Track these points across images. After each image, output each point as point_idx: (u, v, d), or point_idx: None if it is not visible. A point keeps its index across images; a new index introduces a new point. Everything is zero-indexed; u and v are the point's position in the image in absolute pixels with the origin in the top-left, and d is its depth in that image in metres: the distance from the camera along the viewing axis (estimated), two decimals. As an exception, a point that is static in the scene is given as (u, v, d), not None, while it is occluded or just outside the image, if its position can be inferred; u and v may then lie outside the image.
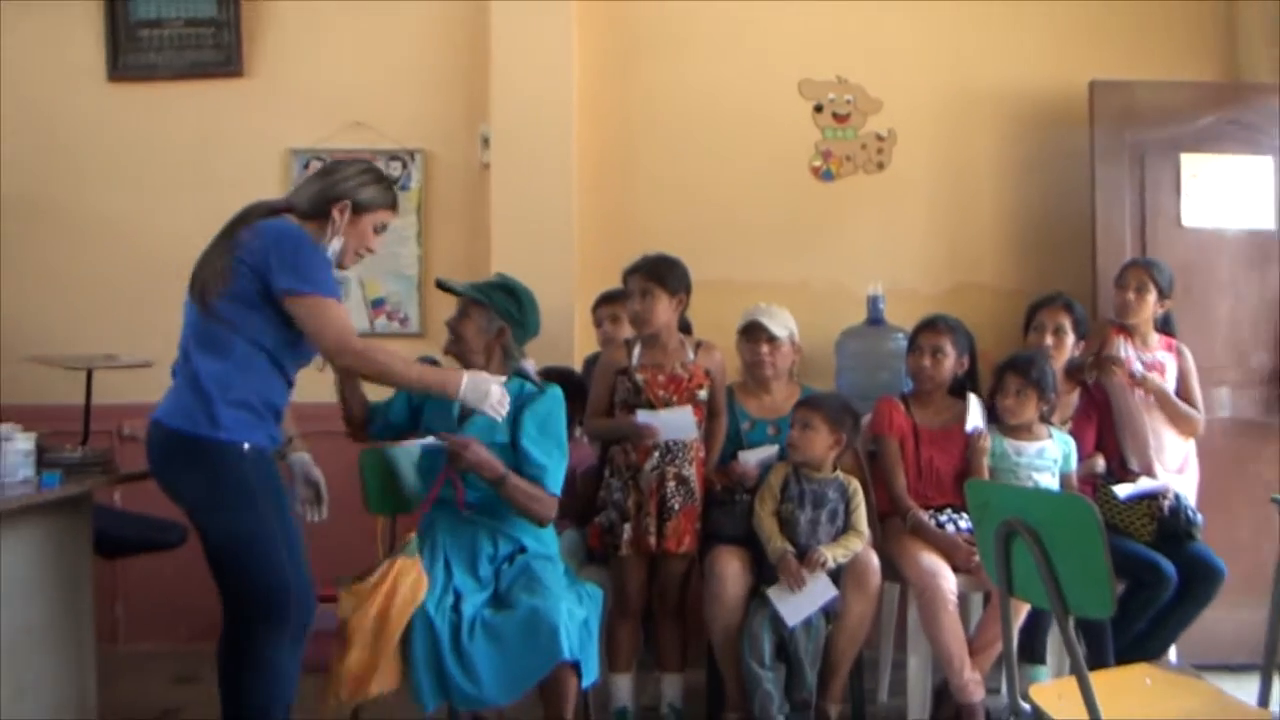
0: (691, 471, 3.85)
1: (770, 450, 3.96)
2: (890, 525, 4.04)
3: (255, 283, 2.90)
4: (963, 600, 3.87)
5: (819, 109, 5.06)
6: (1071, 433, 4.13)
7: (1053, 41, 5.01)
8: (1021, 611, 3.67)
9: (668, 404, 3.84)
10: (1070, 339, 4.25)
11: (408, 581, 3.19)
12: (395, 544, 3.39)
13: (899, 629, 4.15)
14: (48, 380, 4.40)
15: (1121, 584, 3.82)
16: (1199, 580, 3.89)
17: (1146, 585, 3.84)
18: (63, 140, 5.12)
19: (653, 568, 3.89)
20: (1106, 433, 4.27)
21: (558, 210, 4.85)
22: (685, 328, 4.11)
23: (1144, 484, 4.06)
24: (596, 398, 3.95)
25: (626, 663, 3.95)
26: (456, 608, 3.22)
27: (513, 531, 3.48)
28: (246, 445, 2.91)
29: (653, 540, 3.78)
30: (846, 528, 3.79)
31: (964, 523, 3.88)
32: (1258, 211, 4.72)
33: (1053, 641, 4.04)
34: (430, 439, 3.36)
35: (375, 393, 3.49)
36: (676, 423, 3.82)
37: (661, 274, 3.88)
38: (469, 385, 3.15)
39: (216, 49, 5.11)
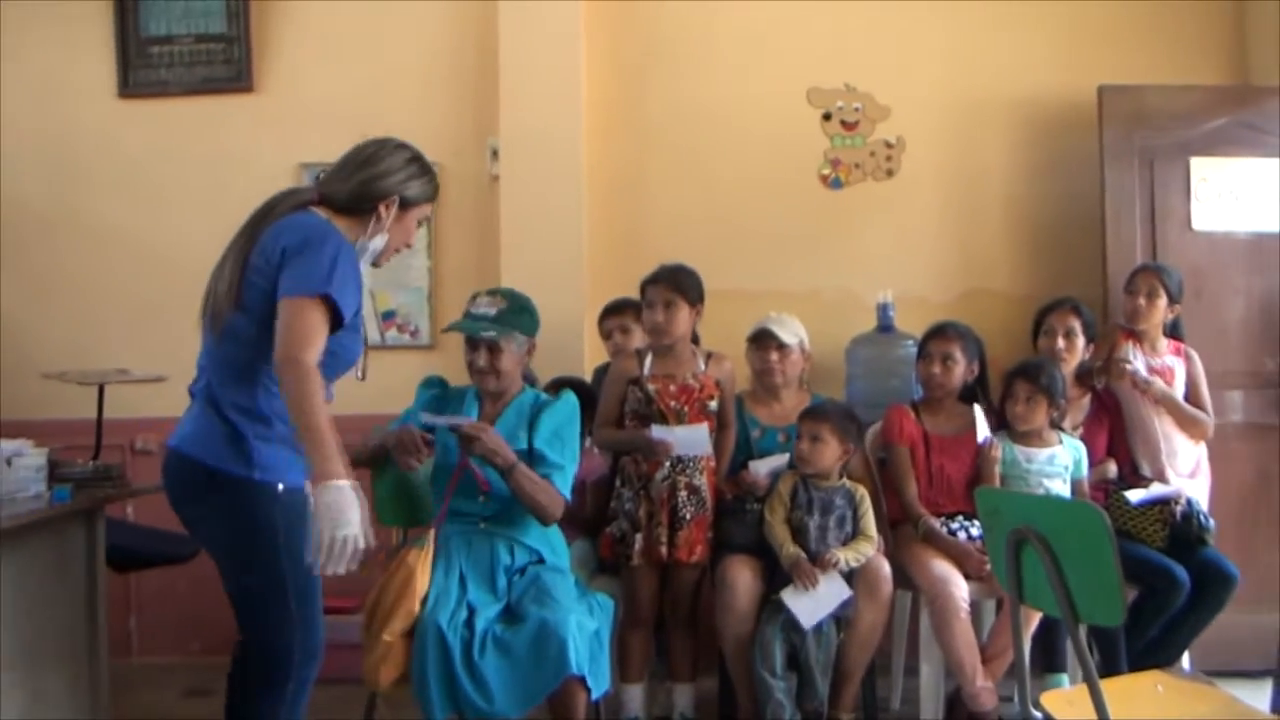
0: (703, 481, 3.85)
1: (781, 459, 3.96)
2: (902, 533, 4.03)
3: (270, 288, 2.63)
4: (975, 608, 3.87)
5: (827, 117, 5.06)
6: (1083, 438, 4.12)
7: (1061, 46, 5.00)
8: (1033, 619, 3.66)
9: (679, 414, 3.85)
10: (1081, 342, 4.25)
11: (400, 576, 3.23)
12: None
13: (911, 637, 4.14)
14: (60, 395, 4.41)
15: (1134, 590, 3.81)
16: (1212, 586, 3.87)
17: (1159, 591, 3.82)
18: (74, 157, 5.16)
19: (664, 577, 3.89)
20: (1118, 438, 4.26)
21: (567, 221, 4.85)
22: (693, 338, 4.12)
23: (1156, 489, 4.05)
24: (607, 407, 3.95)
25: (638, 673, 3.95)
26: (470, 623, 3.23)
27: (529, 542, 3.49)
28: (281, 486, 2.66)
29: (664, 550, 3.79)
30: (855, 533, 3.79)
31: (975, 530, 3.87)
32: (1268, 214, 4.69)
33: (1072, 648, 4.02)
34: (447, 417, 3.37)
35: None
36: (691, 440, 3.82)
37: (683, 284, 3.89)
38: (332, 498, 2.47)
39: (227, 64, 5.13)
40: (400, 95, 5.10)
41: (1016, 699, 2.88)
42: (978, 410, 4.06)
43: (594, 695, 3.22)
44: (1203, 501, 4.14)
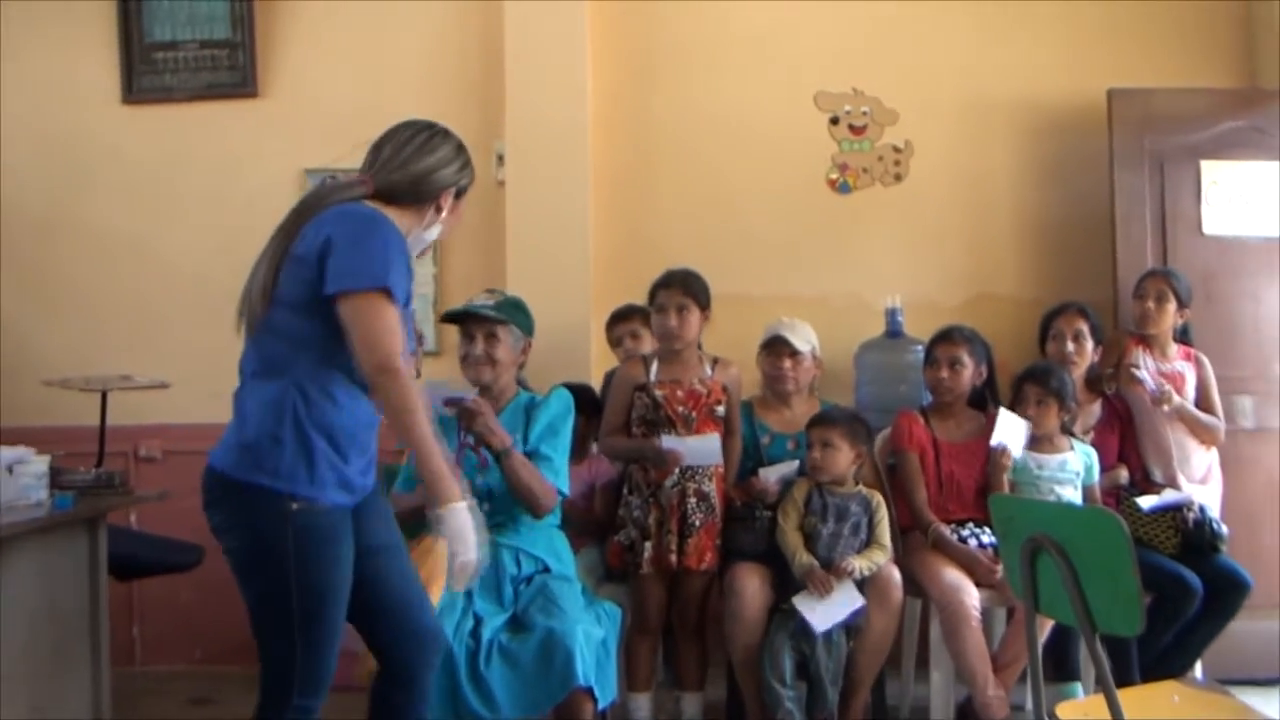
0: (712, 487, 3.82)
1: (790, 466, 3.93)
2: (911, 540, 4.00)
3: (314, 277, 2.50)
4: (986, 616, 3.83)
5: (835, 121, 5.03)
6: (1094, 444, 4.09)
7: (1069, 50, 4.97)
8: (1046, 628, 3.63)
9: (687, 420, 3.81)
10: (1090, 345, 4.23)
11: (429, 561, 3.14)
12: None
13: (921, 645, 4.12)
14: (62, 401, 4.40)
15: (1146, 597, 3.77)
16: (1225, 593, 3.85)
17: (1172, 599, 3.80)
18: (78, 162, 5.14)
19: (672, 585, 3.86)
20: (1129, 444, 4.24)
21: (573, 226, 4.83)
22: (696, 343, 4.09)
23: (1168, 496, 4.03)
24: (613, 414, 3.92)
25: (646, 681, 3.92)
26: (475, 632, 3.20)
27: (535, 551, 3.48)
28: (296, 499, 2.48)
29: (674, 558, 3.76)
30: (870, 541, 3.77)
31: (986, 537, 3.84)
32: (1278, 218, 4.66)
33: (1086, 657, 3.99)
34: (448, 392, 3.39)
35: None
36: (702, 450, 3.78)
37: (695, 289, 3.88)
38: (458, 512, 2.53)
39: (231, 70, 5.11)
40: (405, 100, 5.05)
41: (1030, 708, 2.85)
42: (1007, 415, 3.97)
43: (600, 705, 3.21)
44: (1214, 508, 4.12)
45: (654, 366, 3.90)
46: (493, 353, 3.51)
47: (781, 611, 3.68)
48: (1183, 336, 4.34)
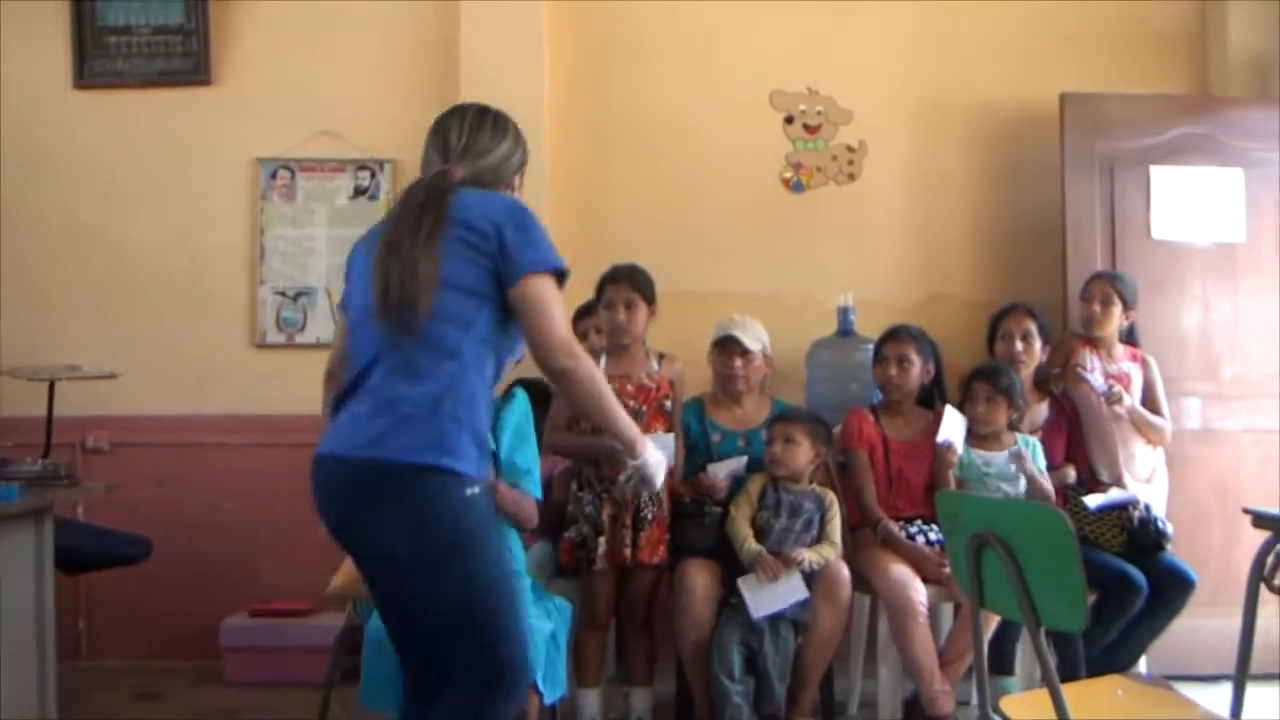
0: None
1: (739, 462, 3.94)
2: (860, 537, 4.02)
3: (493, 266, 2.45)
4: (933, 611, 3.86)
5: (790, 120, 5.05)
6: (1041, 443, 4.13)
7: (1024, 54, 5.02)
8: (991, 623, 3.66)
9: (638, 414, 3.80)
10: (1038, 345, 4.26)
11: None
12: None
13: (869, 641, 4.15)
14: (9, 391, 4.34)
15: (1092, 595, 3.81)
16: (1169, 590, 3.91)
17: (1117, 596, 3.84)
18: (28, 148, 5.05)
19: (621, 580, 3.86)
20: (1076, 443, 4.28)
21: (527, 220, 4.80)
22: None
23: (1114, 494, 4.08)
24: (561, 410, 3.88)
25: (595, 677, 3.92)
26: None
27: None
28: (474, 481, 2.39)
29: (628, 552, 3.76)
30: (820, 538, 3.79)
31: (934, 534, 3.88)
32: (1227, 223, 4.73)
33: (1022, 652, 4.04)
34: None
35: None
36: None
37: (642, 284, 3.90)
38: (653, 453, 2.63)
39: (185, 57, 5.06)
40: (360, 92, 5.06)
41: (975, 702, 2.87)
42: (952, 413, 4.02)
43: (548, 701, 3.19)
44: (1160, 507, 4.17)
45: (602, 361, 3.89)
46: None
47: (730, 606, 3.69)
48: (1129, 338, 4.39)
